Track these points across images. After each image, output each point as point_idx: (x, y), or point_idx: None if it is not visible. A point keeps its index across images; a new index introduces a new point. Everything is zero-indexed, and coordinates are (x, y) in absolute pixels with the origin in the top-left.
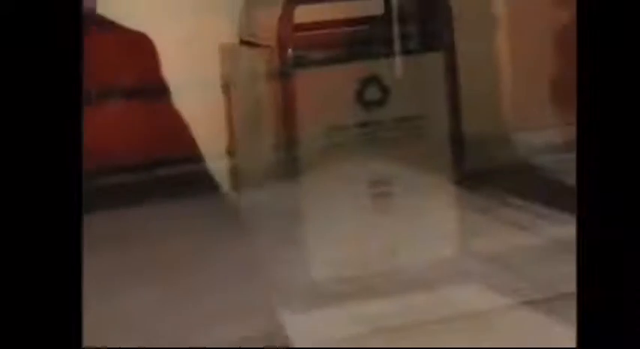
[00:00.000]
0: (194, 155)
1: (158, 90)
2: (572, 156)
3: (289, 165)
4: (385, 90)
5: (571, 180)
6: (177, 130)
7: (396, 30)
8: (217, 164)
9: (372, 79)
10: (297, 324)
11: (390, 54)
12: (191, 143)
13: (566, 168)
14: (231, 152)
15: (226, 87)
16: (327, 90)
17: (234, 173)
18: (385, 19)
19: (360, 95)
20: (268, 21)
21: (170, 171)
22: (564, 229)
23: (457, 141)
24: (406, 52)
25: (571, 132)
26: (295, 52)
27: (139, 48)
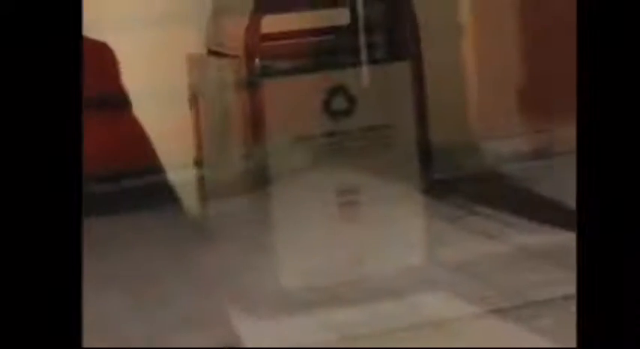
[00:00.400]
0: (154, 166)
1: (118, 100)
2: (540, 164)
3: (257, 174)
4: (352, 100)
5: (539, 188)
6: (137, 140)
7: (362, 40)
8: (185, 174)
9: (339, 89)
10: (266, 332)
11: (356, 64)
12: (151, 154)
13: (533, 176)
14: (198, 162)
15: (194, 98)
16: (295, 100)
17: (203, 183)
18: (351, 28)
19: (327, 105)
20: (236, 31)
21: (130, 182)
22: (532, 237)
23: (424, 150)
24: (373, 61)
25: (538, 140)
26: (262, 61)
27: (98, 57)
